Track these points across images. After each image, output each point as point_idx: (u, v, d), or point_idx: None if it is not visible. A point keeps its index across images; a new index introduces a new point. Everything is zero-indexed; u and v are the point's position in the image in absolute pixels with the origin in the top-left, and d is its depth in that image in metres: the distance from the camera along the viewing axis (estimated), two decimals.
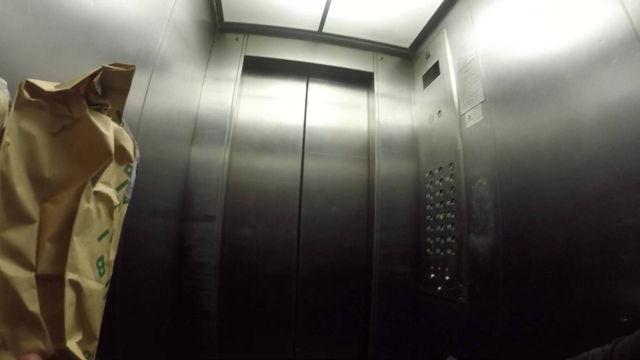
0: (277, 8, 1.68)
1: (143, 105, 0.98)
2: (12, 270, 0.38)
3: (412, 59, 1.96)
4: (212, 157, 1.56)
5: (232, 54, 1.75)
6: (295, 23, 1.79)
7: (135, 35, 0.92)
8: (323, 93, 1.96)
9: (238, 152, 1.74)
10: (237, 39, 1.79)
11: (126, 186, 0.56)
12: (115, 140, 0.51)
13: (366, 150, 1.91)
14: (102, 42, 0.76)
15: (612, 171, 0.78)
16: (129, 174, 0.56)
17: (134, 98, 0.93)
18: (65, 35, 0.63)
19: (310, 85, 1.95)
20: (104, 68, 0.49)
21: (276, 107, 1.87)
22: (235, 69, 1.72)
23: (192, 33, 1.41)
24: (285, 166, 1.79)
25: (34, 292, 0.39)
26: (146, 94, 1.00)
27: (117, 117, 0.55)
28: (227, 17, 1.76)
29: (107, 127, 0.50)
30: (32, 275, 0.40)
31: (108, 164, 0.50)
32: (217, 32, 1.77)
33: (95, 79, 0.48)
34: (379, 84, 1.88)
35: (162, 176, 1.22)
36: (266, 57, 1.82)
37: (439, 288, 1.44)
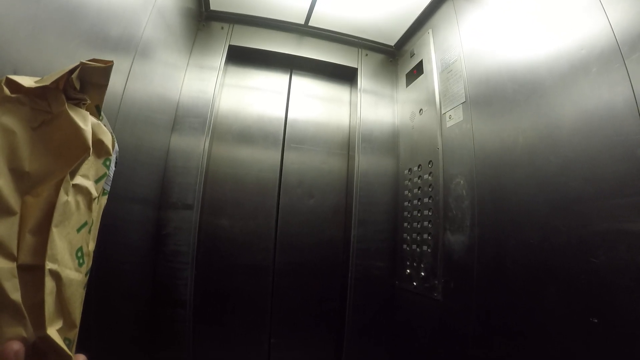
0: None
1: (124, 91, 0.97)
2: None
3: (397, 57, 1.97)
4: (192, 146, 1.54)
5: (217, 43, 1.73)
6: (281, 15, 1.78)
7: (119, 18, 0.91)
8: (306, 86, 1.96)
9: (218, 141, 1.73)
10: (222, 28, 1.77)
11: (105, 179, 0.57)
12: (94, 134, 0.53)
13: (347, 145, 1.92)
14: (86, 25, 0.75)
15: (586, 177, 0.81)
16: (108, 166, 0.57)
17: (115, 83, 0.92)
18: (48, 16, 0.62)
19: (294, 77, 1.95)
20: (82, 64, 0.50)
21: (258, 98, 1.86)
22: (219, 58, 1.70)
23: (177, 20, 1.39)
24: (265, 157, 1.79)
25: (16, 281, 0.40)
26: (127, 79, 0.99)
27: (96, 111, 0.56)
28: (214, 5, 1.74)
29: (86, 122, 0.51)
30: (13, 265, 0.41)
31: (86, 158, 0.51)
32: (203, 20, 1.75)
33: (74, 75, 0.49)
34: (362, 80, 1.89)
35: (140, 163, 1.20)
36: (251, 47, 1.80)
37: (415, 284, 1.47)
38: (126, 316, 1.21)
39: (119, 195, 1.00)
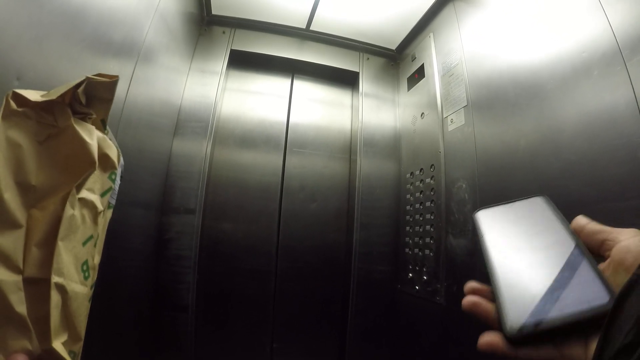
0: (266, 3, 1.67)
1: (126, 95, 0.97)
2: (0, 273, 0.40)
3: (398, 60, 1.97)
4: (194, 150, 1.54)
5: (218, 48, 1.74)
6: (283, 19, 1.79)
7: (122, 23, 0.91)
8: (307, 90, 1.96)
9: (220, 145, 1.73)
10: (224, 33, 1.78)
11: (110, 192, 0.58)
12: (99, 148, 0.53)
13: (348, 149, 1.92)
14: (88, 29, 0.75)
15: (589, 180, 0.81)
16: (113, 180, 0.58)
17: (118, 88, 0.91)
18: (51, 22, 0.62)
19: (295, 82, 1.95)
20: (88, 79, 0.50)
21: (260, 102, 1.87)
22: (220, 63, 1.71)
23: (179, 24, 1.40)
24: (267, 162, 1.79)
25: (21, 294, 0.41)
26: (130, 84, 0.99)
27: (102, 125, 0.57)
28: (215, 10, 1.74)
29: (91, 136, 0.52)
30: (19, 278, 0.41)
31: (92, 172, 0.51)
32: (205, 24, 1.76)
33: (80, 89, 0.50)
34: (363, 84, 1.89)
35: (143, 167, 1.21)
36: (252, 51, 1.81)
37: (417, 287, 1.46)
38: (129, 320, 1.20)
39: (121, 199, 1.00)
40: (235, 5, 1.71)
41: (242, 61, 1.84)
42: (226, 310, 1.60)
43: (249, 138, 1.79)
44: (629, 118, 0.73)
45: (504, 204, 0.52)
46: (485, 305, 0.40)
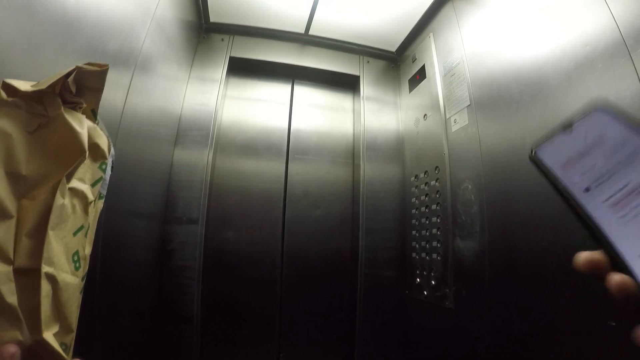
0: (264, 9, 1.67)
1: (124, 105, 0.96)
2: None
3: (399, 62, 1.96)
4: (195, 159, 1.53)
5: (218, 55, 1.73)
6: (281, 25, 1.78)
7: (117, 32, 0.90)
8: (308, 96, 1.95)
9: (222, 154, 1.72)
10: (222, 40, 1.77)
11: (101, 182, 0.57)
12: (90, 137, 0.52)
13: (351, 153, 1.91)
14: (83, 39, 0.74)
15: None
16: (104, 170, 0.57)
17: (115, 97, 0.91)
18: (44, 32, 0.61)
19: (296, 87, 1.94)
20: (77, 68, 0.49)
21: (261, 109, 1.86)
22: (220, 70, 1.70)
23: (177, 32, 1.39)
24: (269, 169, 1.77)
25: (12, 285, 0.40)
26: (127, 94, 0.98)
27: (92, 115, 0.56)
28: (213, 17, 1.74)
29: (81, 125, 0.51)
30: (9, 268, 0.40)
31: (82, 161, 0.50)
32: (203, 32, 1.75)
33: (70, 78, 0.49)
34: (364, 88, 1.88)
35: (143, 177, 1.20)
36: (252, 58, 1.80)
37: (425, 292, 1.44)
38: (132, 332, 1.19)
39: (123, 210, 1.00)
40: (234, 12, 1.71)
41: (241, 68, 1.84)
42: (232, 321, 1.58)
43: (251, 146, 1.78)
44: (635, 110, 0.71)
45: (559, 133, 0.41)
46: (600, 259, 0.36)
